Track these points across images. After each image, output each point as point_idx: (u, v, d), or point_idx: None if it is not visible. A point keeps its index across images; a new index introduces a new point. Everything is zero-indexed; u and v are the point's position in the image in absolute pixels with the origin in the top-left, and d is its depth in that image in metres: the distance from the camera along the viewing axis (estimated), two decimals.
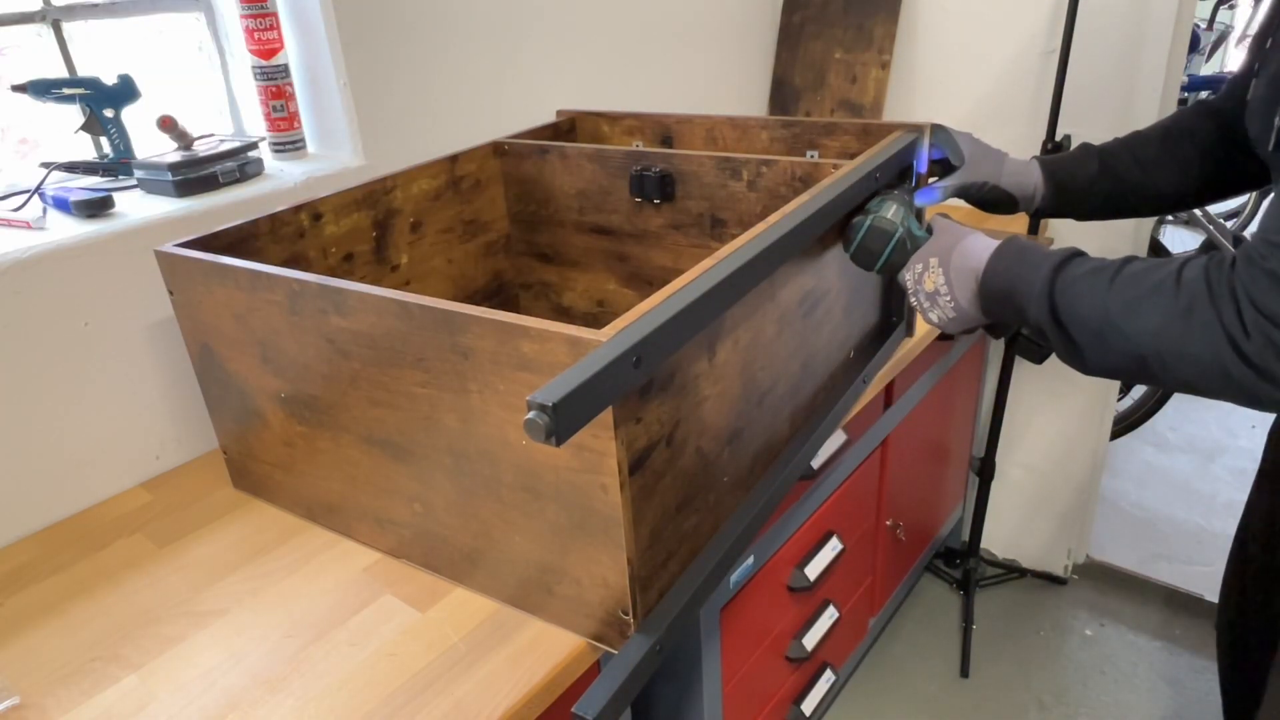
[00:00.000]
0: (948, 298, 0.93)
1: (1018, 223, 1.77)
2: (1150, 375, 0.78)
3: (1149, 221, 1.88)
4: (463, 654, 0.84)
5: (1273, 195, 0.75)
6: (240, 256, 0.94)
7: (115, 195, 1.14)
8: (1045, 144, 1.69)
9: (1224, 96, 1.08)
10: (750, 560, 1.27)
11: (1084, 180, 1.12)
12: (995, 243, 0.91)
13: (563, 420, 0.57)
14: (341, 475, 0.96)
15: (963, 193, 1.13)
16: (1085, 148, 1.14)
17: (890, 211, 0.97)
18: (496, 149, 1.33)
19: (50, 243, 1.03)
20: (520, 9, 1.51)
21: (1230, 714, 1.30)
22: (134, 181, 1.20)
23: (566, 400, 0.57)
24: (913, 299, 0.97)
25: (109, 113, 1.20)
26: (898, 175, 1.11)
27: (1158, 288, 0.76)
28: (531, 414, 0.56)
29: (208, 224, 1.05)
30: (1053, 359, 1.92)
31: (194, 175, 1.18)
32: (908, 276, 0.97)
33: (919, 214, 1.00)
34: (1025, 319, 0.86)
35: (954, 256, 0.92)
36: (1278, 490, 1.10)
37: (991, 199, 1.13)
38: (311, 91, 1.33)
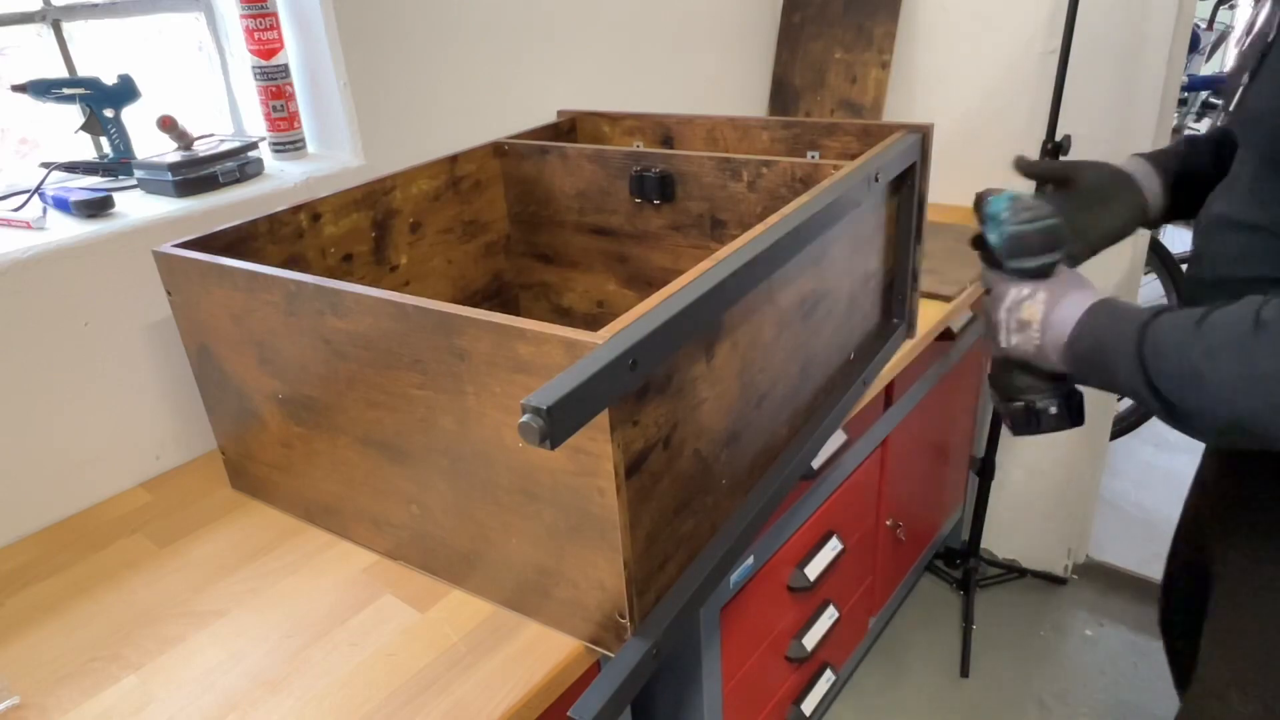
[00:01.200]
0: (1037, 337, 0.86)
1: None
2: (1252, 436, 0.69)
3: None
4: (462, 654, 0.84)
5: None
6: (239, 257, 0.94)
7: (115, 195, 1.14)
8: (1045, 144, 1.69)
9: None
10: (750, 560, 1.27)
11: (1203, 171, 0.99)
12: (1093, 299, 0.84)
13: (557, 424, 0.57)
14: (339, 476, 0.96)
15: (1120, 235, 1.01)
16: (1190, 139, 1.04)
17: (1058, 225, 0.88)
18: (496, 149, 1.33)
19: (50, 243, 1.03)
20: (520, 9, 1.51)
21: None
22: (134, 181, 1.20)
23: (561, 403, 0.57)
24: (997, 314, 0.89)
25: (109, 113, 1.20)
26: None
27: (1237, 332, 0.69)
28: (526, 417, 0.56)
29: (207, 224, 1.05)
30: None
31: (194, 175, 1.18)
32: (1010, 292, 0.88)
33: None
34: (1115, 383, 0.79)
35: (1063, 302, 0.84)
36: (1203, 492, 1.11)
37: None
38: (311, 91, 1.33)
